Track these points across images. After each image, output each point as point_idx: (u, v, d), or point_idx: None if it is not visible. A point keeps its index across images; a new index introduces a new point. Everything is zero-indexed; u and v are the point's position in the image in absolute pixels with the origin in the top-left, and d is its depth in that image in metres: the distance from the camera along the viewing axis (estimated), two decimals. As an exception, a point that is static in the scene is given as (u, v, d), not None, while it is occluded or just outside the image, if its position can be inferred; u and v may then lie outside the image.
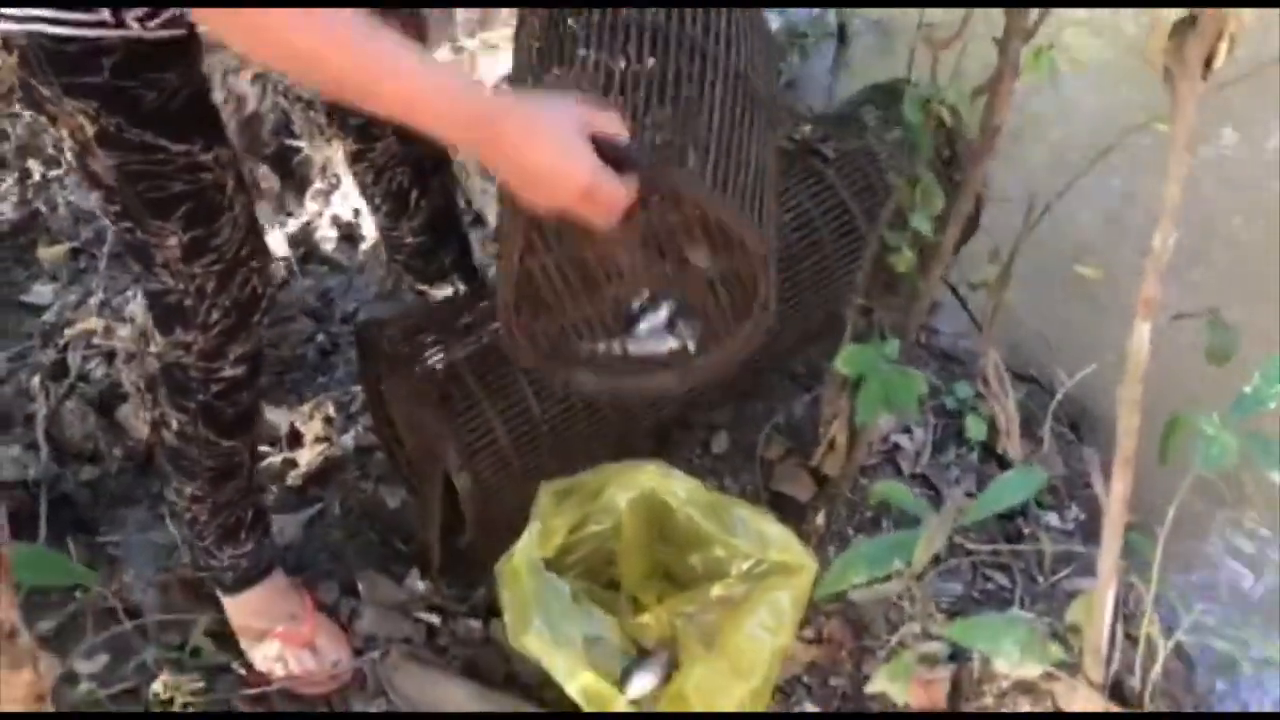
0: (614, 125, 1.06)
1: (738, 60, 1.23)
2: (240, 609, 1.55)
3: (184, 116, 1.20)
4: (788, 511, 1.66)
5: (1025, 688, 1.42)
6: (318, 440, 1.86)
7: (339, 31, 0.96)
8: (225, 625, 1.56)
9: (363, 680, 1.54)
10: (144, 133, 1.17)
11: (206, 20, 1.01)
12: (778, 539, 1.46)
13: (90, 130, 1.16)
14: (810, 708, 1.51)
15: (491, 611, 1.58)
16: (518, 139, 1.02)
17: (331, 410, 1.89)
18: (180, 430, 1.41)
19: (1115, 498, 1.21)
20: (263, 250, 1.34)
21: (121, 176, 1.20)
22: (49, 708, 0.77)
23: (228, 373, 1.36)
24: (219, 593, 1.56)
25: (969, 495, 1.75)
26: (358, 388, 1.92)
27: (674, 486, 1.50)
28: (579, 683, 1.36)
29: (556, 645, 1.38)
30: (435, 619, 1.60)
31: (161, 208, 1.22)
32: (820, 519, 1.66)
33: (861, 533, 1.68)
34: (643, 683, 1.46)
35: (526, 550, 1.45)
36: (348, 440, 1.84)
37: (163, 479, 1.73)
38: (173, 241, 1.25)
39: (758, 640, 1.37)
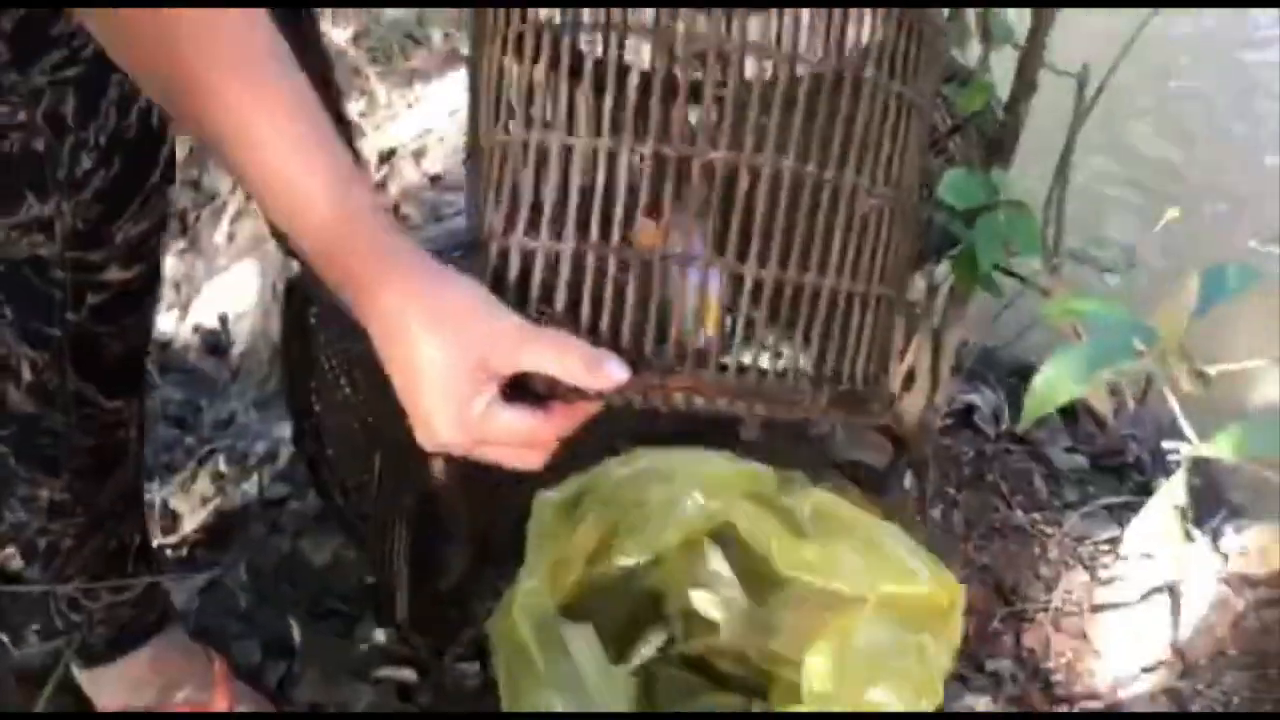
0: (526, 353, 0.62)
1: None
2: (123, 680, 1.02)
3: None
4: (865, 484, 1.25)
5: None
6: (204, 502, 1.36)
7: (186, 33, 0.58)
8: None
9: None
10: None
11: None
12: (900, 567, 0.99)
13: None
14: (978, 704, 1.05)
15: (488, 650, 1.09)
16: (383, 335, 0.63)
17: (222, 465, 1.40)
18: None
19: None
20: None
21: None
22: None
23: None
24: (83, 667, 1.03)
25: (1068, 450, 1.39)
26: (258, 444, 1.45)
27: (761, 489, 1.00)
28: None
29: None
30: (409, 674, 1.09)
31: None
32: (909, 482, 1.26)
33: (966, 489, 1.28)
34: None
35: (529, 593, 0.95)
36: (249, 488, 1.35)
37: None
38: None
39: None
